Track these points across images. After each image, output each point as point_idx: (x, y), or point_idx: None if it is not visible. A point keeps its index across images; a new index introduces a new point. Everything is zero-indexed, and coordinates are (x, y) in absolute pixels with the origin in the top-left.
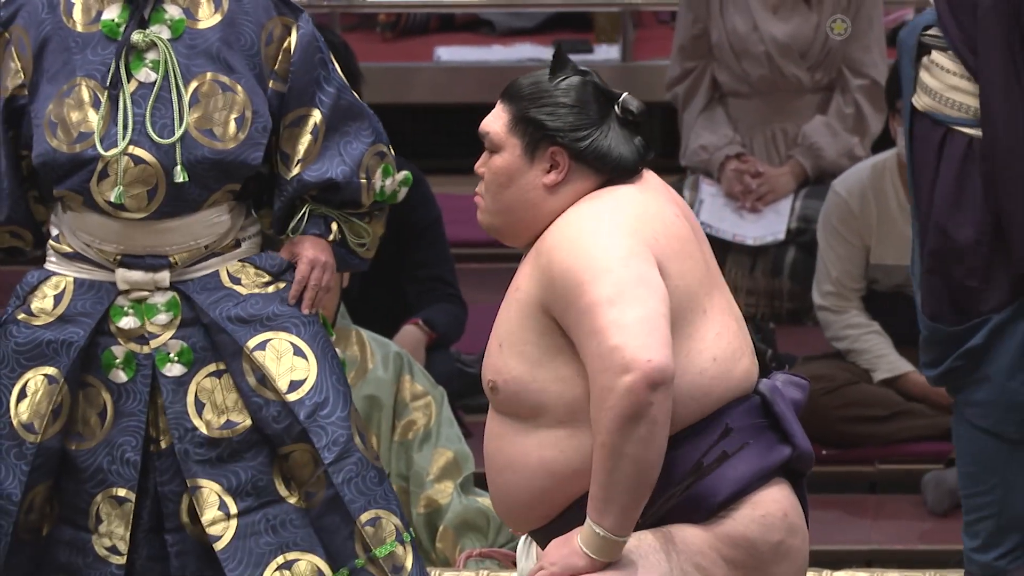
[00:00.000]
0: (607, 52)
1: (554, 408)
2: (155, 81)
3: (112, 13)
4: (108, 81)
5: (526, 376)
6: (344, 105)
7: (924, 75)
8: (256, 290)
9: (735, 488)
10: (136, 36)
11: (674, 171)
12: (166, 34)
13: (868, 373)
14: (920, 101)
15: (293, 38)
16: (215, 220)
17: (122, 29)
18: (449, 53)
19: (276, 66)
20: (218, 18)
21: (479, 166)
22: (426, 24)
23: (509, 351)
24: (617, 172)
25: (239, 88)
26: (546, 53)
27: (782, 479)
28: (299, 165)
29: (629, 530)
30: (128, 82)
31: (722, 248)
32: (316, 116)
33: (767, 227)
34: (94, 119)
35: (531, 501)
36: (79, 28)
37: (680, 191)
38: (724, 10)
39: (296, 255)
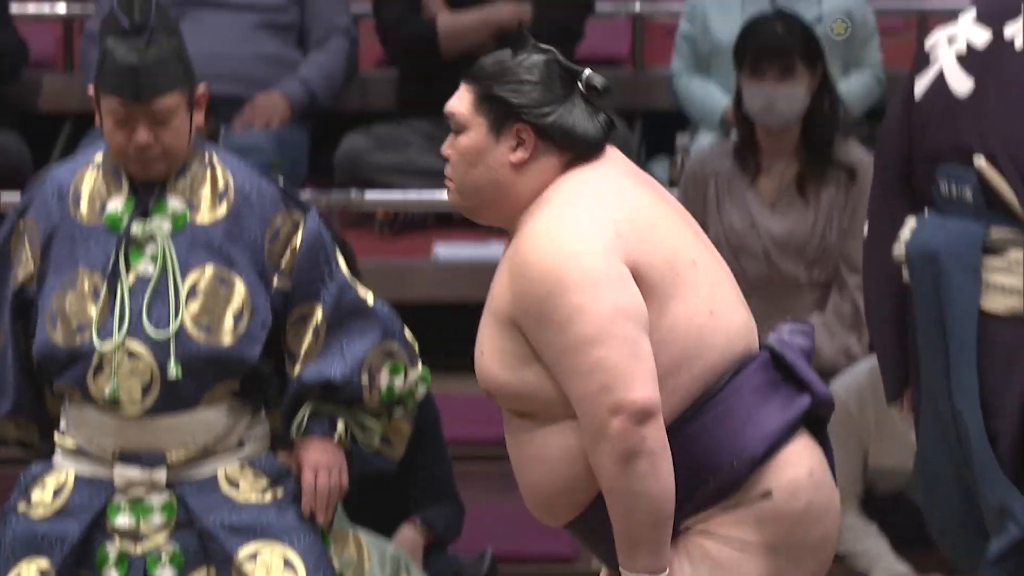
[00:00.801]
0: None
1: (553, 402)
2: (153, 274)
3: (116, 205)
4: (108, 273)
5: (512, 381)
6: (347, 303)
7: (1002, 277)
8: (253, 497)
9: (764, 448)
10: (136, 228)
11: None
12: (167, 226)
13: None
14: (1002, 303)
15: (299, 235)
16: (213, 418)
17: (124, 221)
18: (447, 250)
19: (282, 262)
20: (223, 211)
21: (446, 148)
22: (424, 221)
23: (490, 358)
24: (582, 148)
25: (239, 283)
26: None
27: (803, 430)
28: (300, 364)
29: (665, 560)
30: (127, 274)
31: None
32: (318, 314)
33: None
34: (92, 312)
35: (563, 490)
36: (84, 220)
37: None
38: (721, 206)
39: (299, 461)
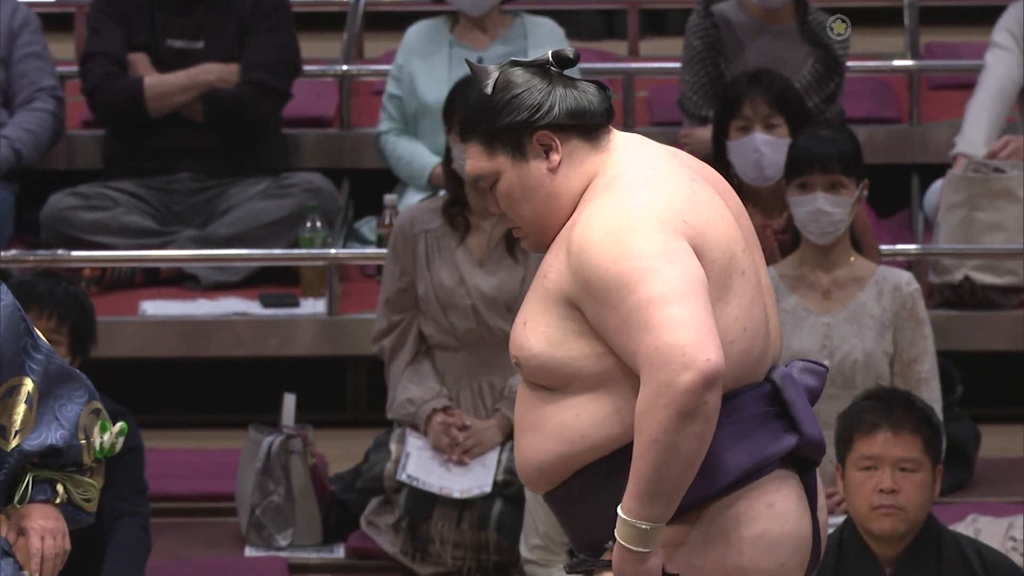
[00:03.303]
0: (313, 306)
1: (578, 381)
2: None
3: None
4: None
5: (545, 355)
6: (54, 370)
7: None
8: None
9: (731, 479)
10: None
11: (381, 424)
12: None
13: None
14: None
15: None
16: None
17: None
18: (154, 307)
19: None
20: None
21: (493, 207)
22: (131, 279)
23: (532, 330)
24: (597, 119)
25: None
26: (252, 307)
27: (787, 469)
28: (17, 436)
29: (670, 516)
30: None
31: (429, 501)
32: (28, 385)
33: (474, 480)
34: None
35: (543, 464)
36: None
37: (387, 444)
38: (431, 264)
39: (25, 529)
